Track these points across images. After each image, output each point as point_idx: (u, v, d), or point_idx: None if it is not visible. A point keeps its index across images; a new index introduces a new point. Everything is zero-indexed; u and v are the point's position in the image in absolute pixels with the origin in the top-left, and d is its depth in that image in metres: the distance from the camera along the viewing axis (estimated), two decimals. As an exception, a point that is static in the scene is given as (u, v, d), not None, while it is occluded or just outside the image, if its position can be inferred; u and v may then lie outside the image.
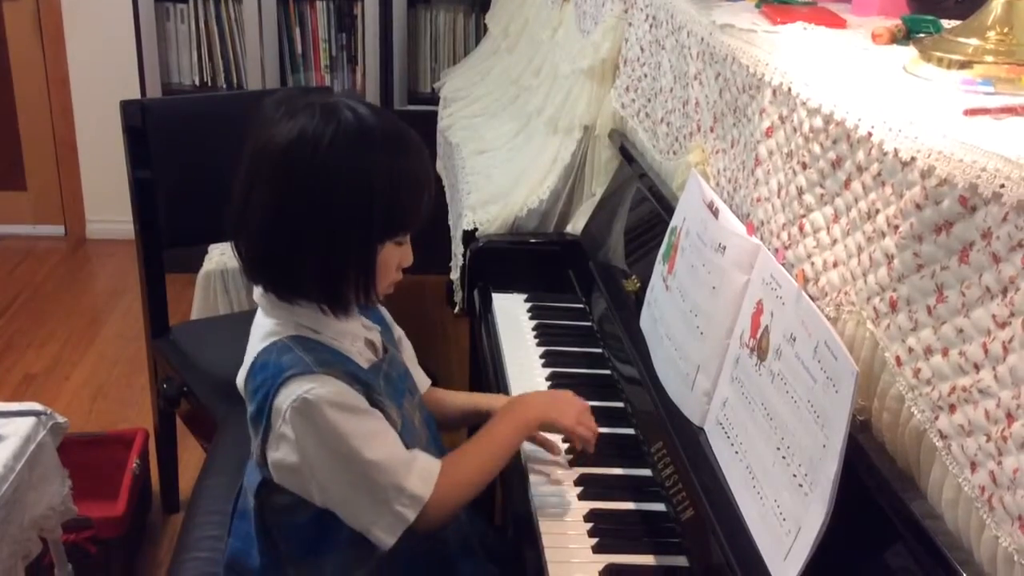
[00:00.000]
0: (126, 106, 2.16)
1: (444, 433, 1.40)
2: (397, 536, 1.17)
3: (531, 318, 1.83)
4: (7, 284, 3.61)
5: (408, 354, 1.38)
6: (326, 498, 1.17)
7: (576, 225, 2.03)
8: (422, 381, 1.39)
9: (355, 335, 1.22)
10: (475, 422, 1.42)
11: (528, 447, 1.41)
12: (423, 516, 1.17)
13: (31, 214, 4.01)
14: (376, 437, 1.16)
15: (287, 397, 1.13)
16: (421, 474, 1.18)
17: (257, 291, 1.20)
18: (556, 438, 1.41)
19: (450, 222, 2.33)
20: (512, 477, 1.38)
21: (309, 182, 1.11)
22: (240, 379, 1.22)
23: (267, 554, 1.23)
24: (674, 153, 1.67)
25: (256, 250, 1.16)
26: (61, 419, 1.73)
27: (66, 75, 3.83)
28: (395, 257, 1.19)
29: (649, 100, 1.81)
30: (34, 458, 1.62)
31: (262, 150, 1.13)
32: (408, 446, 1.23)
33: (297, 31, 3.48)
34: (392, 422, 1.20)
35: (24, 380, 2.98)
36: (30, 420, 1.66)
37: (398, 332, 1.37)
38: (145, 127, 2.15)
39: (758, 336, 1.16)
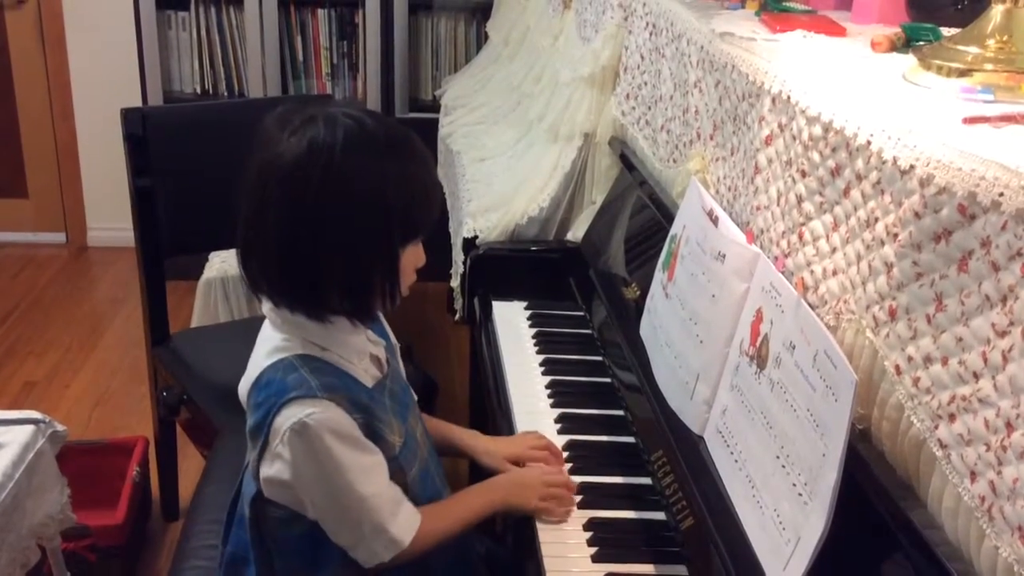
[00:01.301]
0: (127, 114, 2.16)
1: None
2: (371, 567, 1.20)
3: (531, 326, 1.83)
4: (8, 292, 3.61)
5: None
6: (316, 513, 1.18)
7: (576, 233, 2.03)
8: None
9: (362, 351, 1.22)
10: (448, 454, 1.43)
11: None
12: (395, 558, 1.20)
13: (32, 222, 4.01)
14: (369, 472, 1.17)
15: (288, 419, 1.13)
16: (405, 521, 1.20)
17: (266, 305, 1.20)
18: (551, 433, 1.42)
19: (451, 229, 2.33)
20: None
21: (327, 192, 1.10)
22: (242, 389, 1.22)
23: (262, 563, 1.23)
24: (674, 161, 1.67)
25: (274, 268, 1.15)
26: (60, 427, 1.73)
27: (68, 83, 3.84)
28: (412, 259, 1.19)
29: (649, 108, 1.81)
30: (33, 466, 1.62)
31: (269, 167, 1.12)
32: (411, 460, 1.23)
33: (298, 39, 3.48)
34: (393, 442, 1.21)
35: (24, 388, 2.98)
36: (29, 428, 1.66)
37: (394, 343, 1.37)
38: (146, 135, 2.15)
39: (758, 344, 1.16)
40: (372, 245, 1.14)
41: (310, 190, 1.10)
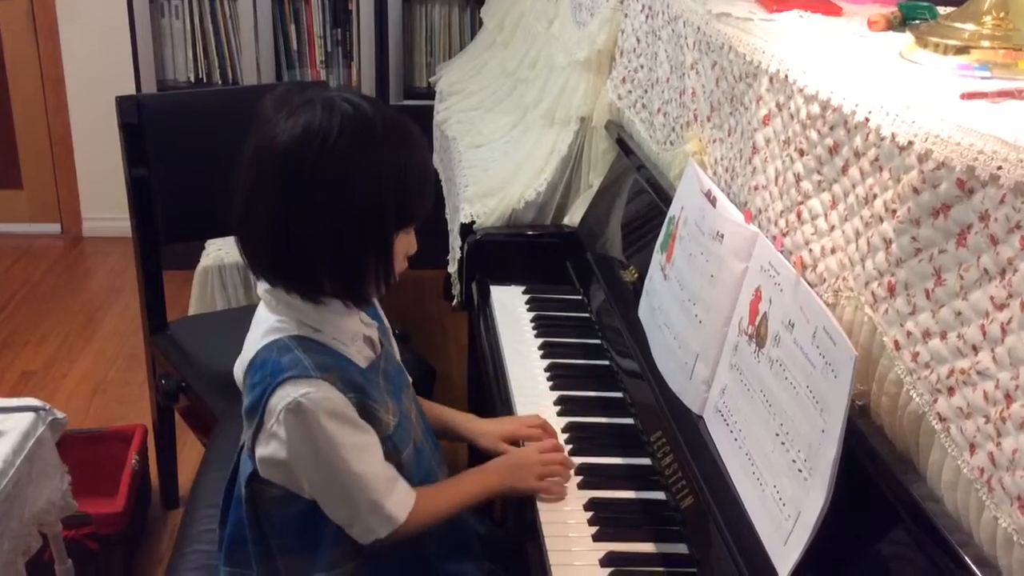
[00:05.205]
0: (121, 102, 2.15)
1: None
2: (368, 543, 1.21)
3: (529, 310, 1.83)
4: (4, 282, 3.60)
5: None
6: (312, 492, 1.20)
7: (573, 217, 2.03)
8: None
9: (355, 333, 1.23)
10: (447, 439, 1.43)
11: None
12: (391, 535, 1.21)
13: (27, 212, 4.00)
14: (364, 451, 1.18)
15: (282, 398, 1.14)
16: (399, 499, 1.21)
17: (262, 287, 1.20)
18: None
19: (447, 215, 2.33)
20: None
21: (320, 178, 1.10)
22: (238, 370, 1.22)
23: (259, 543, 1.24)
24: (671, 143, 1.67)
25: (267, 251, 1.15)
26: (60, 415, 1.72)
27: (61, 73, 3.83)
28: (404, 246, 1.19)
29: (646, 91, 1.81)
30: (33, 453, 1.62)
31: (265, 149, 1.12)
32: (404, 440, 1.24)
33: (292, 27, 3.47)
34: (387, 421, 1.21)
35: (22, 377, 2.98)
36: (29, 416, 1.66)
37: (387, 326, 1.37)
38: (141, 123, 2.14)
39: (756, 323, 1.16)
40: (365, 230, 1.13)
41: (303, 174, 1.10)
